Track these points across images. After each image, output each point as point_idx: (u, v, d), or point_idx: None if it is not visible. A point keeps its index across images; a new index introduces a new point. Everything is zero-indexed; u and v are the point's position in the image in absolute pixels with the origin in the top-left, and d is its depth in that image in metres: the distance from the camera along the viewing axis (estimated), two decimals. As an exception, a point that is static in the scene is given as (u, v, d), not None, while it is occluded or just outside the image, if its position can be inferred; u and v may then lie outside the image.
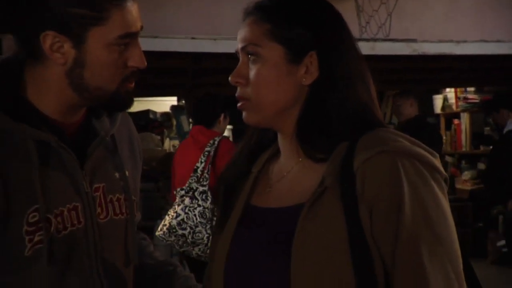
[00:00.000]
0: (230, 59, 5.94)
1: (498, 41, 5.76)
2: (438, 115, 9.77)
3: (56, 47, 1.47)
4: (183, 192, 4.44)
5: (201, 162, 4.48)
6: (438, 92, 9.76)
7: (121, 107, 1.60)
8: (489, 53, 5.84)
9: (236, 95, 1.47)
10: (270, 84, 1.42)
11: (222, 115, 4.75)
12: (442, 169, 1.37)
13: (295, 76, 1.42)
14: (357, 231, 1.31)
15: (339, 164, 1.36)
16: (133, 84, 1.57)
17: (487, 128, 9.19)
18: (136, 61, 1.52)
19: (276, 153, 1.55)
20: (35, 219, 1.46)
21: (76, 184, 1.54)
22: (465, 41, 5.64)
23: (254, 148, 1.57)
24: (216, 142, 4.53)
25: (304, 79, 1.42)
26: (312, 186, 1.38)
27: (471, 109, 9.23)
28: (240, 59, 1.47)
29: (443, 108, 9.66)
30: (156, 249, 1.92)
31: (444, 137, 9.06)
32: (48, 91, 1.52)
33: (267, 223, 1.44)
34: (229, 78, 1.46)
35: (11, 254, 1.46)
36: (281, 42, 1.41)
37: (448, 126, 9.64)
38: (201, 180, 4.44)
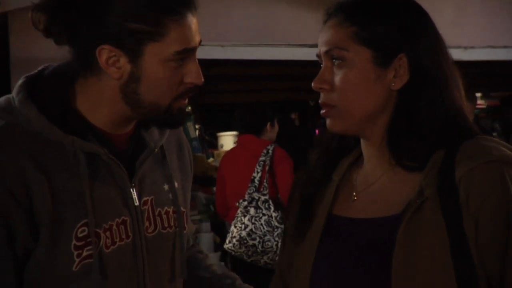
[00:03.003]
0: (238, 65, 5.95)
1: (505, 47, 5.74)
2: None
3: (112, 61, 1.44)
4: (245, 203, 4.48)
5: (257, 172, 4.52)
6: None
7: (173, 124, 1.56)
8: (497, 59, 5.82)
9: (320, 101, 1.40)
10: (357, 89, 1.35)
11: (269, 124, 4.77)
12: None
13: (384, 80, 1.35)
14: (461, 243, 1.25)
15: (437, 174, 1.30)
16: (187, 100, 1.53)
17: (495, 134, 9.16)
18: (193, 77, 1.48)
19: (358, 160, 1.48)
20: (84, 233, 1.44)
21: (125, 198, 1.51)
22: (472, 47, 5.62)
23: (333, 155, 1.50)
24: (270, 151, 4.56)
25: (393, 84, 1.35)
26: (406, 196, 1.32)
27: (478, 114, 9.20)
28: (323, 63, 1.40)
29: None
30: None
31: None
32: (101, 104, 1.50)
33: (357, 234, 1.38)
34: (312, 84, 1.39)
35: (59, 268, 1.44)
36: (369, 45, 1.35)
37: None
38: (261, 190, 4.47)
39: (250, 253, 4.40)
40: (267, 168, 4.51)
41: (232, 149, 5.15)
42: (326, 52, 1.38)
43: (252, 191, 4.47)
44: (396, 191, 1.36)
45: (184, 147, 1.74)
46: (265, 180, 4.49)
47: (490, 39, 5.71)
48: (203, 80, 1.49)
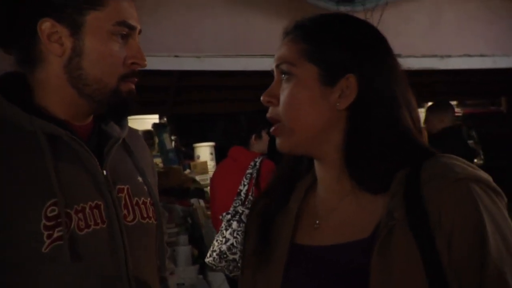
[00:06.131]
0: (214, 76, 5.88)
1: (481, 55, 5.77)
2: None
3: (54, 38, 1.46)
4: (229, 216, 4.36)
5: (244, 185, 4.43)
6: (421, 106, 9.77)
7: (124, 108, 1.55)
8: (473, 68, 5.85)
9: (267, 115, 1.41)
10: (301, 105, 1.36)
11: (254, 135, 4.69)
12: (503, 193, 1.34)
13: (329, 99, 1.35)
14: (435, 263, 1.25)
15: (404, 195, 1.30)
16: (134, 85, 1.53)
17: (471, 141, 9.21)
18: (136, 56, 1.50)
19: (314, 183, 1.46)
20: (54, 213, 1.40)
21: (97, 182, 1.49)
22: (449, 56, 5.64)
23: (290, 178, 1.49)
24: (257, 164, 4.48)
25: (338, 103, 1.35)
26: (372, 219, 1.32)
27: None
28: (275, 78, 1.42)
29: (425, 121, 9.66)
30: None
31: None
32: (50, 92, 1.50)
33: (326, 261, 1.36)
34: (261, 98, 1.40)
35: (27, 250, 1.39)
36: (317, 63, 1.36)
37: (431, 140, 9.65)
38: (246, 203, 4.37)
39: (231, 267, 4.30)
40: (253, 181, 4.44)
41: (223, 162, 5.10)
42: (277, 67, 1.41)
43: (237, 204, 4.38)
44: (361, 214, 1.35)
45: (148, 154, 1.75)
46: (250, 193, 4.41)
47: (466, 47, 5.73)
48: (146, 61, 1.52)
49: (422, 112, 9.69)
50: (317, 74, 1.36)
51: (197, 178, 7.52)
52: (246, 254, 1.51)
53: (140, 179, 1.60)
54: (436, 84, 7.26)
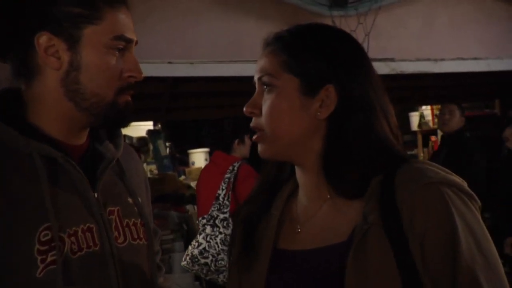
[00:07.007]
0: (208, 82, 5.85)
1: (475, 58, 5.77)
2: (415, 132, 9.79)
3: (51, 51, 1.45)
4: (204, 221, 4.41)
5: (222, 189, 4.45)
6: (415, 109, 9.78)
7: (121, 119, 1.55)
8: (467, 71, 5.85)
9: (251, 125, 1.46)
10: (282, 115, 1.40)
11: (237, 140, 4.70)
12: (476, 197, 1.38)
13: (310, 109, 1.40)
14: (408, 265, 1.30)
15: (378, 200, 1.34)
16: (130, 97, 1.53)
17: (465, 144, 9.19)
18: (133, 70, 1.49)
19: (296, 190, 1.51)
20: (48, 237, 1.40)
21: (88, 205, 1.48)
22: (442, 59, 5.64)
23: (273, 185, 1.54)
24: (235, 168, 4.51)
25: (319, 113, 1.40)
26: (350, 223, 1.36)
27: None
28: (256, 89, 1.45)
29: (419, 125, 9.68)
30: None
31: (421, 154, 9.08)
32: (46, 107, 1.49)
33: (306, 265, 1.40)
34: (244, 109, 1.44)
35: (21, 276, 1.38)
36: (297, 74, 1.40)
37: (425, 143, 9.65)
38: (222, 207, 4.39)
39: (204, 271, 4.35)
40: (231, 185, 4.46)
41: (205, 166, 5.12)
42: (259, 79, 1.45)
43: (215, 208, 4.41)
44: (339, 219, 1.40)
45: (140, 170, 1.75)
46: (226, 198, 4.42)
47: (459, 50, 5.73)
48: (142, 74, 1.51)
49: (416, 116, 9.73)
50: (297, 86, 1.40)
51: (192, 184, 7.50)
52: (232, 259, 1.54)
53: (130, 200, 1.60)
54: (430, 88, 7.25)
